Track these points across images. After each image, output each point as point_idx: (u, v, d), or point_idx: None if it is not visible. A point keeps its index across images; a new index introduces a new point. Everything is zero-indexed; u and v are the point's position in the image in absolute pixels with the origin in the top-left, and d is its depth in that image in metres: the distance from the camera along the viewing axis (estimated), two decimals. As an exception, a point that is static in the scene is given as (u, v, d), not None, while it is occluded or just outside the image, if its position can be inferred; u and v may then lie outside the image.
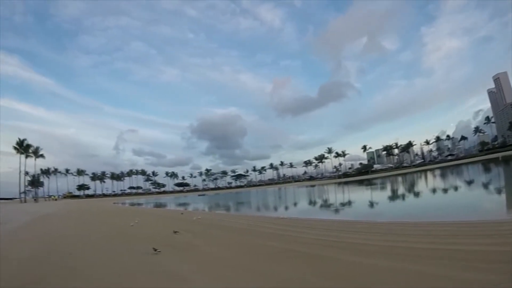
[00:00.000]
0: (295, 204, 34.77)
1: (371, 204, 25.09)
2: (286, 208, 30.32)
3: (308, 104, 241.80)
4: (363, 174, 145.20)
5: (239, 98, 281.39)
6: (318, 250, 7.66)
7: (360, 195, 39.15)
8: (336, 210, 22.38)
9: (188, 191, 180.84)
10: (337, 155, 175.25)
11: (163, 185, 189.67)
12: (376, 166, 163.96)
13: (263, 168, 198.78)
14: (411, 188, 41.18)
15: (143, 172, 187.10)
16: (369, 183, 71.39)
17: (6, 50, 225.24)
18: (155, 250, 8.44)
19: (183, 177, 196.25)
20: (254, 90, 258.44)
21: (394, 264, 5.88)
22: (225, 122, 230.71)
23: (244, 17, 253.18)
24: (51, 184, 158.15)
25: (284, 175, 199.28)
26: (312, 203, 34.40)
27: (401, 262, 5.98)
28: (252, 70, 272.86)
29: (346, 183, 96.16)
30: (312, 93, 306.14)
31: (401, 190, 40.28)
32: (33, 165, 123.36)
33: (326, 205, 29.18)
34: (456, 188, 30.43)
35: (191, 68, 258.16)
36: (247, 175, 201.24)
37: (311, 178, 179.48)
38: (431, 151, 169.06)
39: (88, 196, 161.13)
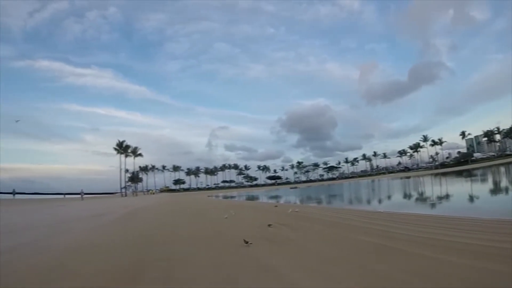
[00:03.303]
0: (389, 197, 33.60)
1: (471, 198, 23.72)
2: (380, 201, 29.42)
3: (399, 89, 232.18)
4: (461, 164, 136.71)
5: (327, 88, 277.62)
6: (418, 248, 7.14)
7: (459, 188, 37.11)
8: (434, 205, 21.13)
9: (279, 184, 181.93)
10: (433, 143, 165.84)
11: (255, 179, 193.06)
12: (476, 155, 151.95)
13: (355, 159, 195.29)
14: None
15: (235, 166, 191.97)
16: (468, 174, 67.62)
17: (99, 66, 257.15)
18: (246, 242, 8.45)
19: (274, 170, 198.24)
20: (341, 78, 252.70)
21: (505, 268, 5.30)
22: (314, 114, 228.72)
23: (321, 4, 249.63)
24: (149, 180, 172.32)
25: (377, 166, 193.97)
26: (407, 196, 32.95)
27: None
28: (337, 57, 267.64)
29: (444, 174, 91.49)
30: (402, 76, 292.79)
31: (504, 182, 37.76)
32: (132, 163, 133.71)
33: (422, 198, 27.86)
34: None
35: (276, 62, 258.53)
36: (339, 167, 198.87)
37: (406, 169, 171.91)
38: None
39: (184, 190, 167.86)
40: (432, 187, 42.36)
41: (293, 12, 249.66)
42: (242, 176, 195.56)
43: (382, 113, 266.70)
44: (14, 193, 69.62)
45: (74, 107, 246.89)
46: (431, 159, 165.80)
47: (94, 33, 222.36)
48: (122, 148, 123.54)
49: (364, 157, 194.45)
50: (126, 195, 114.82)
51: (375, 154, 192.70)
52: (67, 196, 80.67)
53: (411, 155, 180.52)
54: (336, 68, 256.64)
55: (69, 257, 7.98)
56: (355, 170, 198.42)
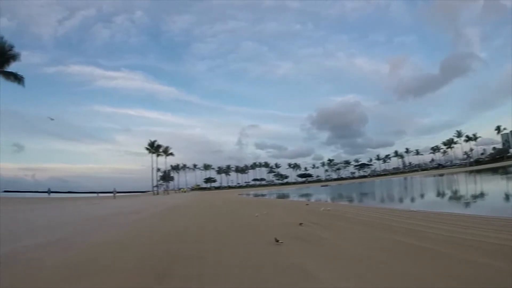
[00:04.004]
0: (422, 195, 32.98)
1: (507, 197, 22.99)
2: (412, 199, 28.88)
3: (430, 82, 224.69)
4: (497, 160, 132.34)
5: (356, 83, 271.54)
6: (456, 250, 6.86)
7: (495, 186, 36.10)
8: (469, 204, 20.47)
9: (310, 182, 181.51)
10: (468, 139, 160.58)
11: (286, 177, 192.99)
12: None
13: (387, 156, 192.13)
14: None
15: (266, 165, 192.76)
16: (504, 171, 65.90)
17: (129, 69, 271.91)
18: (277, 241, 8.39)
19: (305, 168, 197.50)
20: (370, 73, 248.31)
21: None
22: (344, 110, 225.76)
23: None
24: (180, 178, 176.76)
25: (410, 163, 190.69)
26: (441, 194, 32.19)
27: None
28: (366, 52, 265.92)
29: (479, 171, 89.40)
30: (433, 70, 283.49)
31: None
32: (163, 162, 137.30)
33: (456, 197, 27.22)
34: None
35: (305, 59, 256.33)
36: (371, 164, 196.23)
37: (439, 166, 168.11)
38: None
39: (215, 188, 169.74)
40: (467, 185, 41.39)
41: (319, 7, 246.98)
42: (273, 174, 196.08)
43: (414, 108, 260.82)
44: (49, 191, 72.20)
45: (105, 109, 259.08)
46: (465, 156, 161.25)
47: (122, 37, 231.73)
48: (154, 148, 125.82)
49: (396, 154, 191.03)
50: (157, 194, 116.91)
51: (407, 151, 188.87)
52: (100, 194, 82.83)
53: (444, 152, 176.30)
54: (365, 63, 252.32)
55: (101, 253, 8.13)
56: (387, 168, 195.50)
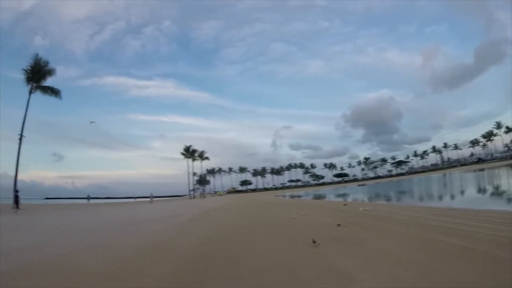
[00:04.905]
0: (462, 192, 32.06)
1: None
2: (452, 197, 28.01)
3: (465, 72, 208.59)
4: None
5: (389, 78, 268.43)
6: (498, 249, 6.62)
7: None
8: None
9: (347, 181, 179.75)
10: (508, 130, 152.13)
11: (322, 177, 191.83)
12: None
13: (424, 152, 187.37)
14: None
15: (301, 165, 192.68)
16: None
17: (161, 77, 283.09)
18: (314, 242, 8.38)
19: (341, 168, 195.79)
20: (402, 66, 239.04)
21: None
22: (378, 106, 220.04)
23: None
24: (216, 182, 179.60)
25: (448, 158, 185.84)
26: (482, 190, 31.15)
27: None
28: (397, 45, 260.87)
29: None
30: (468, 59, 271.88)
31: None
32: (199, 166, 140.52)
33: (498, 193, 26.31)
34: None
35: (335, 57, 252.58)
36: (408, 161, 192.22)
37: (479, 160, 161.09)
38: None
39: (252, 190, 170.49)
40: (509, 180, 40.18)
41: (345, 3, 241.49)
42: (309, 174, 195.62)
43: (450, 100, 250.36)
44: (88, 198, 74.30)
45: (140, 117, 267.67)
46: (505, 148, 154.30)
47: (152, 47, 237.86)
48: (189, 153, 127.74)
49: (434, 149, 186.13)
50: (194, 197, 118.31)
51: (445, 146, 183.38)
52: (137, 199, 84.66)
53: (484, 145, 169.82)
54: (397, 56, 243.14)
55: (140, 257, 8.30)
56: (425, 164, 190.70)
